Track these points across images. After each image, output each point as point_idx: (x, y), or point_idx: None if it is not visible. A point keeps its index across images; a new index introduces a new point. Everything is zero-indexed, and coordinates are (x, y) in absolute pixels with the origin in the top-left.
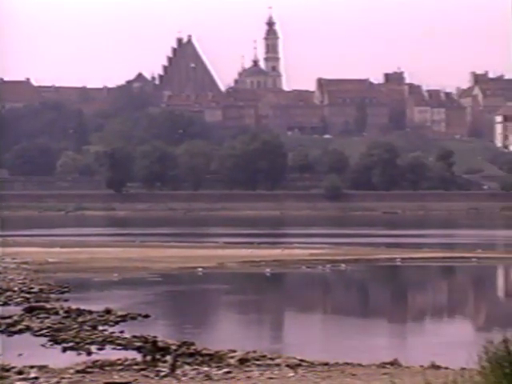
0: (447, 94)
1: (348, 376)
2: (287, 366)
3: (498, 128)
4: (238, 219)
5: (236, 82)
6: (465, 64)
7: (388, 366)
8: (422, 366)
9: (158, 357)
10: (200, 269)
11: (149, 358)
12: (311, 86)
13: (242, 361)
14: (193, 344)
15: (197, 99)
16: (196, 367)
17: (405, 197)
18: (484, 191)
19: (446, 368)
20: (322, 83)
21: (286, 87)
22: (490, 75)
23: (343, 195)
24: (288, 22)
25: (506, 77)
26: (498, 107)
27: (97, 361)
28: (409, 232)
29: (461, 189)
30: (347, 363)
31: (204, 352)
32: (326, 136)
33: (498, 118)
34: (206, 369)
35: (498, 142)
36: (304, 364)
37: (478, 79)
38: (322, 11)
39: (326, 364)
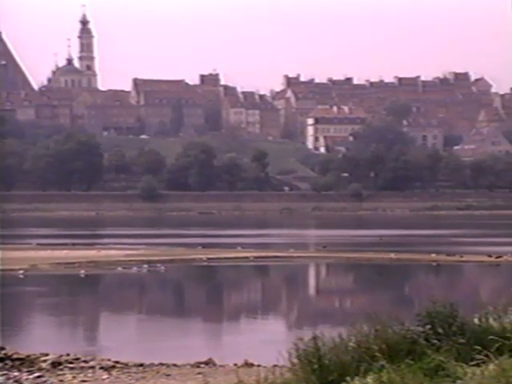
0: (261, 96)
1: (162, 376)
2: (101, 368)
3: (310, 130)
4: (52, 220)
5: (50, 80)
6: (278, 67)
7: (202, 365)
8: (235, 365)
9: None
10: (21, 271)
11: None
12: (127, 86)
13: (55, 364)
14: (3, 348)
15: (8, 97)
16: (5, 372)
17: (221, 197)
18: (297, 192)
19: (259, 366)
20: (137, 83)
21: (101, 87)
22: (302, 78)
23: (159, 196)
24: (103, 21)
25: (317, 80)
26: (310, 110)
27: None
28: (225, 232)
29: (274, 189)
30: (162, 364)
31: (15, 356)
32: (143, 136)
33: (310, 121)
34: (16, 374)
35: (310, 144)
36: (118, 366)
37: (291, 82)
38: (136, 10)
39: (141, 365)
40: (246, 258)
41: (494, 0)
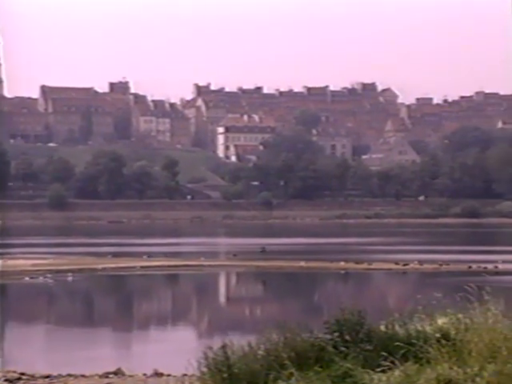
0: (172, 105)
1: None
2: (6, 380)
3: (220, 139)
4: None
5: None
6: (188, 75)
7: (111, 375)
8: (145, 374)
9: None
10: None
11: None
12: (35, 93)
13: None
14: None
15: None
16: None
17: (130, 206)
18: (207, 200)
19: (169, 375)
20: (45, 90)
21: (8, 94)
22: (212, 87)
23: (68, 204)
24: (9, 28)
25: (227, 89)
26: (220, 118)
27: None
28: (135, 241)
29: (185, 198)
30: (70, 375)
31: None
32: (51, 144)
33: (220, 129)
34: None
35: (220, 153)
36: (24, 377)
37: (201, 91)
38: (44, 17)
39: (48, 376)
40: (159, 266)
41: (402, 14)
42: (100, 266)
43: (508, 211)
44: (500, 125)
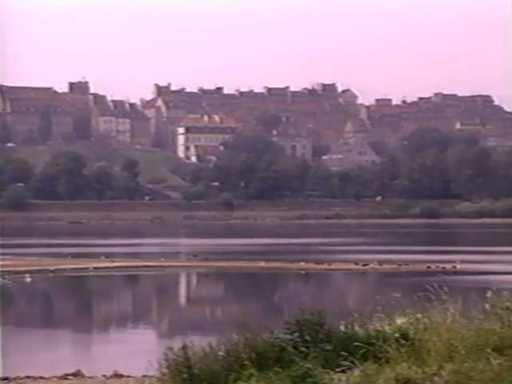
0: (132, 105)
1: None
2: None
3: (181, 139)
4: None
5: None
6: (148, 76)
7: (70, 377)
8: (104, 376)
9: None
10: None
11: None
12: None
13: None
14: None
15: None
16: None
17: (90, 206)
18: (168, 201)
19: (129, 376)
20: (3, 90)
21: None
22: (173, 87)
23: (27, 205)
24: None
25: (188, 89)
26: (181, 119)
27: None
28: (95, 242)
29: (145, 198)
30: (28, 376)
31: None
32: (9, 144)
33: (181, 130)
34: None
35: (181, 153)
36: None
37: (161, 91)
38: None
39: (6, 379)
40: (119, 267)
41: (363, 16)
42: (52, 268)
43: (466, 212)
44: (458, 126)
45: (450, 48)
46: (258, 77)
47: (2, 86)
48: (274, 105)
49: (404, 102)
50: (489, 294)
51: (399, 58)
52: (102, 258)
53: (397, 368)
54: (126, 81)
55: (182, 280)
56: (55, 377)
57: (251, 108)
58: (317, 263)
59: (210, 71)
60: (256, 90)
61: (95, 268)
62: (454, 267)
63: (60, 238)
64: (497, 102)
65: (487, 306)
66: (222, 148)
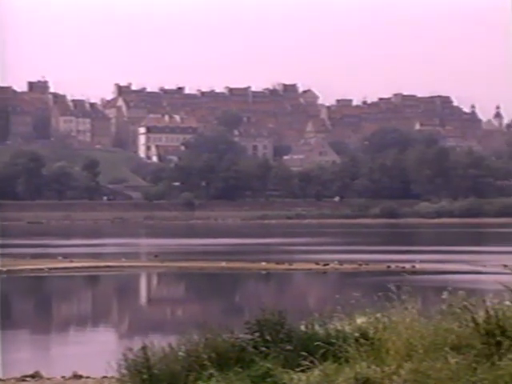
0: (92, 105)
1: None
2: None
3: (142, 139)
4: None
5: None
6: (109, 75)
7: (29, 378)
8: (63, 377)
9: None
10: None
11: None
12: None
13: None
14: None
15: None
16: None
17: (50, 206)
18: (129, 201)
19: (88, 377)
20: None
21: None
22: (133, 87)
23: None
24: None
25: (149, 89)
26: (142, 119)
27: None
28: (55, 242)
29: (103, 198)
30: None
31: None
32: None
33: (142, 130)
34: None
35: (142, 153)
36: None
37: (122, 91)
38: None
39: None
40: (79, 268)
41: (323, 16)
42: (5, 269)
43: (425, 212)
44: (418, 126)
45: (409, 49)
46: (219, 77)
47: None
48: (236, 105)
49: (364, 102)
50: (445, 295)
51: (359, 58)
52: (59, 258)
53: (356, 367)
54: (87, 80)
55: (143, 280)
56: (13, 378)
57: (212, 108)
58: (278, 263)
59: (170, 71)
60: (217, 90)
61: (52, 269)
62: (414, 267)
63: (19, 239)
64: (455, 103)
65: (444, 306)
66: (183, 148)
